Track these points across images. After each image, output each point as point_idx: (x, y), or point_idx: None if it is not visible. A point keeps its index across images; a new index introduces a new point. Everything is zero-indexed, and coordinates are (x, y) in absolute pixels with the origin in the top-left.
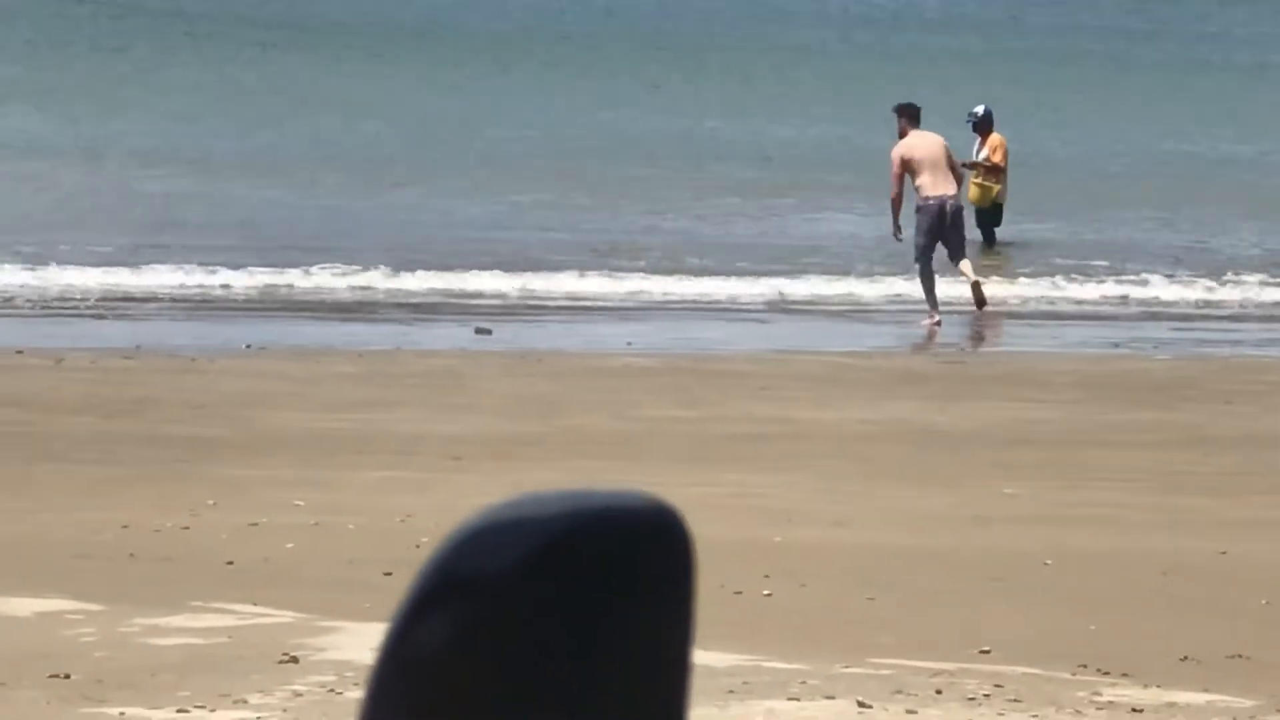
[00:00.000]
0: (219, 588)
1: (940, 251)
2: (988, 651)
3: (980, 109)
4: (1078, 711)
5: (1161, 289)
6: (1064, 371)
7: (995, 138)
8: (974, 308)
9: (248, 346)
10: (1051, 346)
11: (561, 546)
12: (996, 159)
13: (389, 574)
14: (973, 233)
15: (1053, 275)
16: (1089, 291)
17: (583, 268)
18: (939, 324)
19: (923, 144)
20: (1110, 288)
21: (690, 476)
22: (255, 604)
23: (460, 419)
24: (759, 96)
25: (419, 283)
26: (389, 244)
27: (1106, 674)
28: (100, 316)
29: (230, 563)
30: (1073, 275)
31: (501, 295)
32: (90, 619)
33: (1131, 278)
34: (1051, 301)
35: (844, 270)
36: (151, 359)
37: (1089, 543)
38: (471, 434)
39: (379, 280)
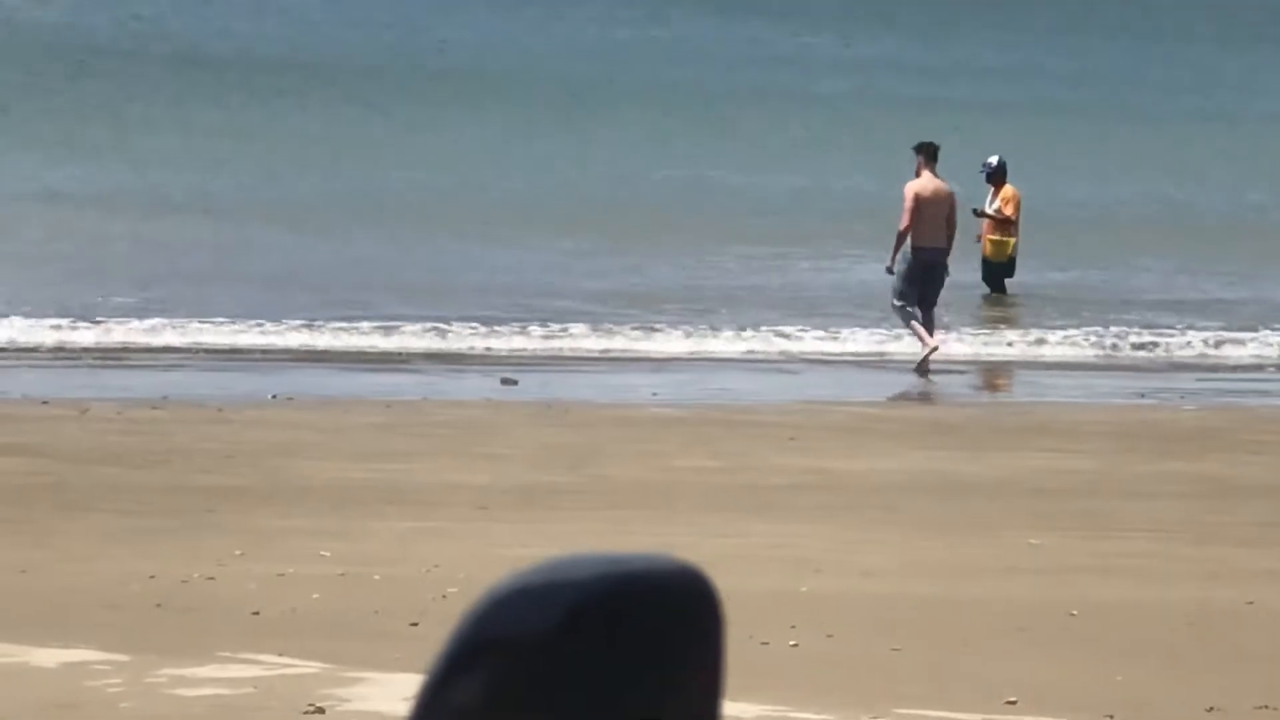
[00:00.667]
0: (246, 638)
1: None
2: (1014, 702)
3: (994, 159)
4: None
5: (1185, 338)
6: (1091, 421)
7: (1008, 189)
8: (919, 367)
9: (274, 397)
10: (1078, 397)
11: (593, 610)
12: (1008, 211)
13: (415, 624)
14: (961, 282)
15: (1077, 325)
16: (1113, 341)
17: (607, 319)
18: (937, 348)
19: (931, 189)
20: (1134, 338)
21: (718, 527)
22: (281, 654)
23: (487, 469)
24: (774, 146)
25: (447, 339)
26: (409, 292)
27: None
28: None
29: (257, 613)
30: (1095, 325)
31: (527, 347)
32: (117, 669)
33: (1156, 327)
34: (1076, 349)
35: (868, 319)
36: (178, 409)
37: (1115, 593)
38: (499, 484)
39: (407, 332)
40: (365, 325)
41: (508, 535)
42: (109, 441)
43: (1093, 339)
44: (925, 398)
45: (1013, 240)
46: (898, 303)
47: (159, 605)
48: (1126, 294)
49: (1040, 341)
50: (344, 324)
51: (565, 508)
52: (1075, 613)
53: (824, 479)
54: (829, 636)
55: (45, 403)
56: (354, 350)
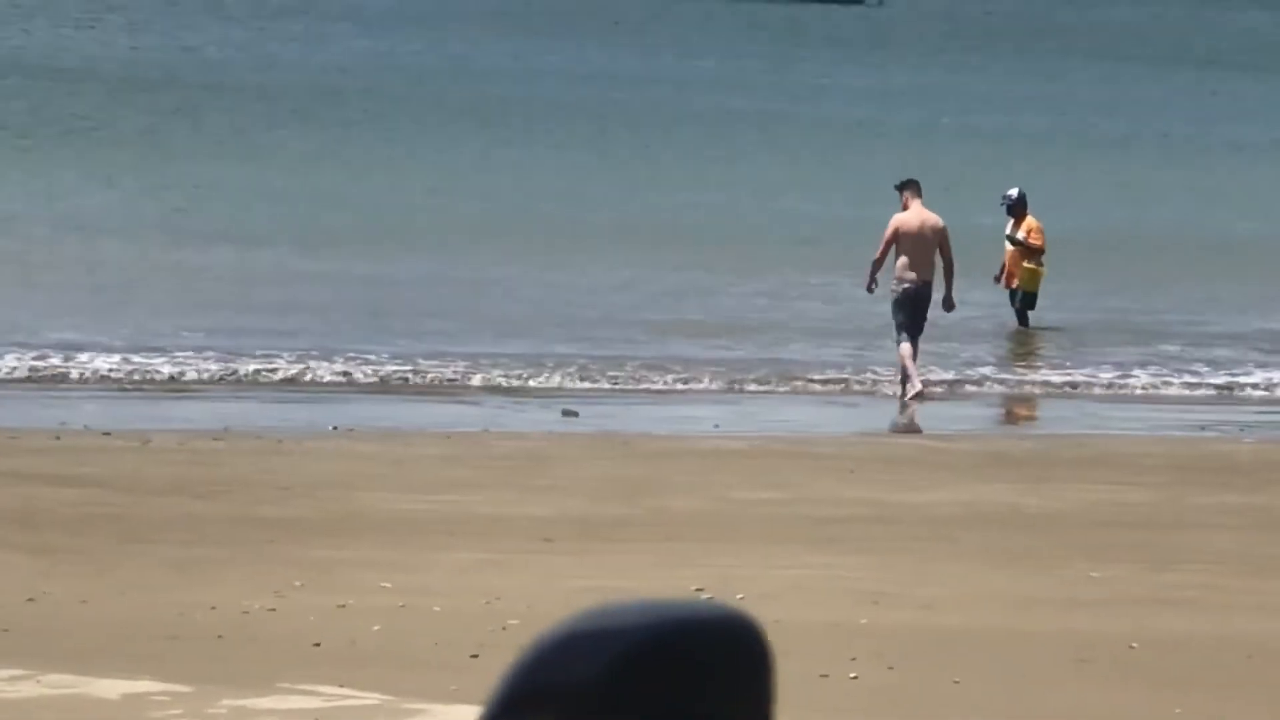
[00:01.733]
0: (306, 669)
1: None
2: None
3: (1014, 191)
4: None
5: (1245, 372)
6: (1151, 454)
7: (1030, 221)
8: (900, 391)
9: (334, 428)
10: (1138, 429)
11: (642, 658)
12: (1036, 241)
13: (475, 656)
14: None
15: (1138, 359)
16: (1172, 374)
17: (671, 347)
18: (921, 392)
19: (916, 221)
20: (1192, 370)
21: (778, 559)
22: (342, 685)
23: (548, 501)
24: (803, 172)
25: (496, 370)
26: (463, 319)
27: None
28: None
29: (317, 644)
30: (1155, 358)
31: (589, 380)
32: (178, 700)
33: (1215, 361)
34: (1131, 382)
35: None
36: (239, 440)
37: (1174, 625)
38: (559, 516)
39: (462, 362)
40: (422, 353)
41: (568, 567)
42: (170, 473)
43: (1153, 371)
44: (989, 430)
45: (1044, 270)
46: (898, 339)
47: (220, 636)
48: (1180, 324)
49: (1093, 374)
50: (398, 358)
51: (626, 539)
52: (1135, 645)
53: (884, 511)
54: (889, 669)
55: (107, 434)
56: (413, 379)
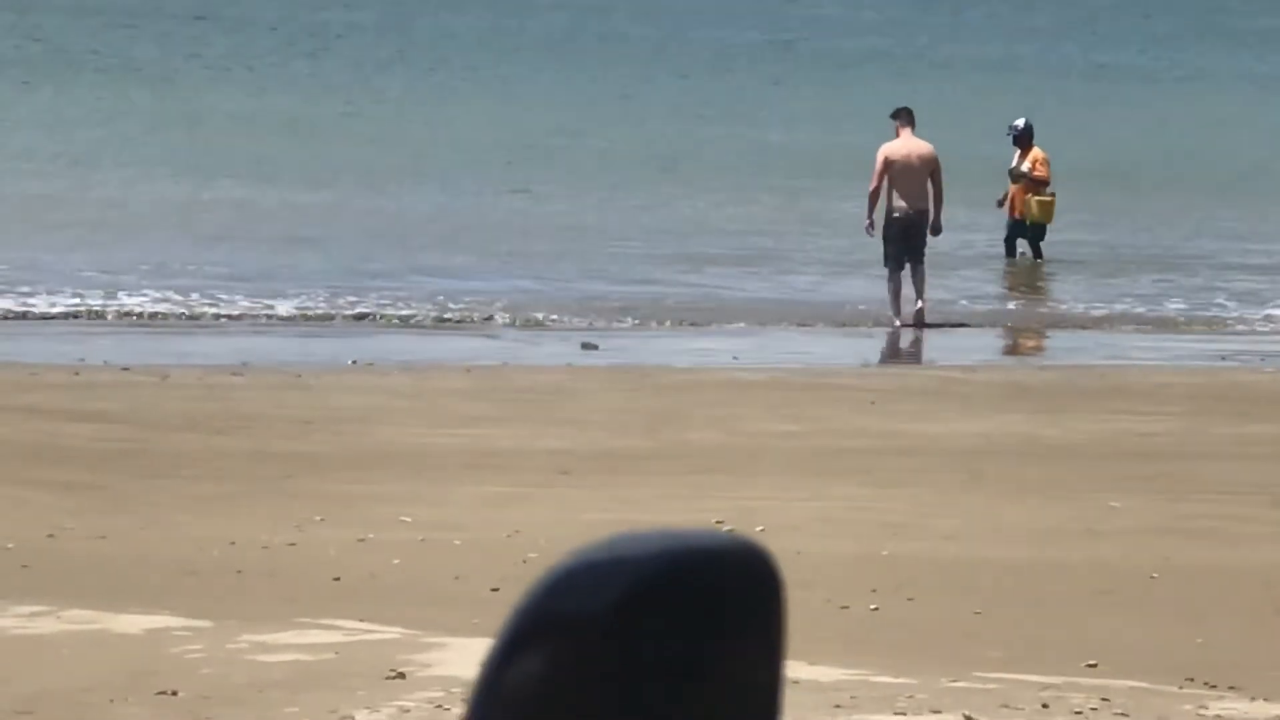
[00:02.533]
0: (326, 604)
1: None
2: (1095, 665)
3: (1021, 122)
4: None
5: (1259, 303)
6: (1171, 385)
7: (1037, 151)
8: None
9: (354, 362)
10: (1158, 359)
11: (654, 587)
12: (1041, 172)
13: (496, 589)
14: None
15: (1151, 289)
16: (1186, 304)
17: (687, 280)
18: (898, 326)
19: (904, 151)
20: (1206, 299)
21: (798, 491)
22: (362, 620)
23: (568, 434)
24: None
25: (520, 300)
26: (485, 250)
27: (1214, 687)
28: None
29: (337, 579)
30: (1170, 289)
31: (607, 309)
32: (198, 635)
33: (1234, 291)
34: (1150, 312)
35: (951, 276)
36: (258, 375)
37: (1196, 556)
38: (579, 449)
39: (484, 296)
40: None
41: (588, 500)
42: (189, 408)
43: (1168, 302)
44: (1008, 362)
45: (1054, 199)
46: (888, 268)
47: (239, 571)
48: (1195, 254)
49: (1110, 305)
50: (410, 293)
51: (645, 472)
52: (1156, 575)
53: (904, 442)
54: (909, 600)
55: (126, 369)
56: (432, 313)
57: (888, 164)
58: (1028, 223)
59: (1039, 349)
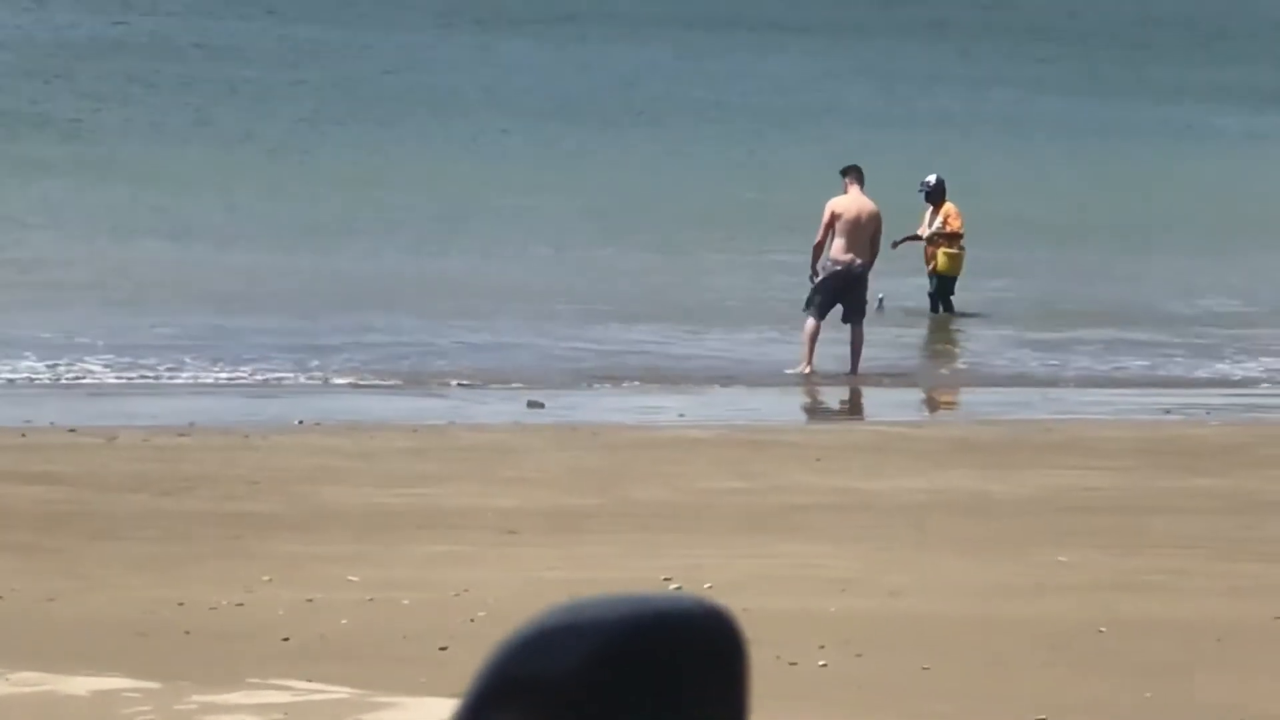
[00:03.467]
0: (276, 664)
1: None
2: (1044, 719)
3: (932, 178)
4: None
5: (1205, 358)
6: (1117, 439)
7: (949, 206)
8: (849, 370)
9: (300, 422)
10: (1102, 414)
11: (618, 651)
12: (956, 225)
13: (444, 648)
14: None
15: (1095, 341)
16: (1133, 358)
17: (630, 339)
18: (808, 374)
19: (853, 207)
20: (1153, 354)
21: (746, 548)
22: (311, 680)
23: (515, 492)
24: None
25: (464, 361)
26: (424, 311)
27: None
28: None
29: (286, 639)
30: (1117, 343)
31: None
32: (147, 697)
33: (1175, 343)
34: (1095, 366)
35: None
36: (205, 436)
37: (1144, 609)
38: (527, 507)
39: (427, 354)
40: (379, 346)
41: (537, 559)
42: (137, 469)
43: (1117, 357)
44: (954, 419)
45: (963, 254)
46: (806, 312)
47: (188, 632)
48: (1137, 305)
49: (1054, 356)
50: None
51: (594, 530)
52: (1104, 629)
53: (851, 499)
54: (858, 656)
55: (72, 430)
56: (379, 372)
57: (834, 217)
58: (934, 274)
59: (965, 405)
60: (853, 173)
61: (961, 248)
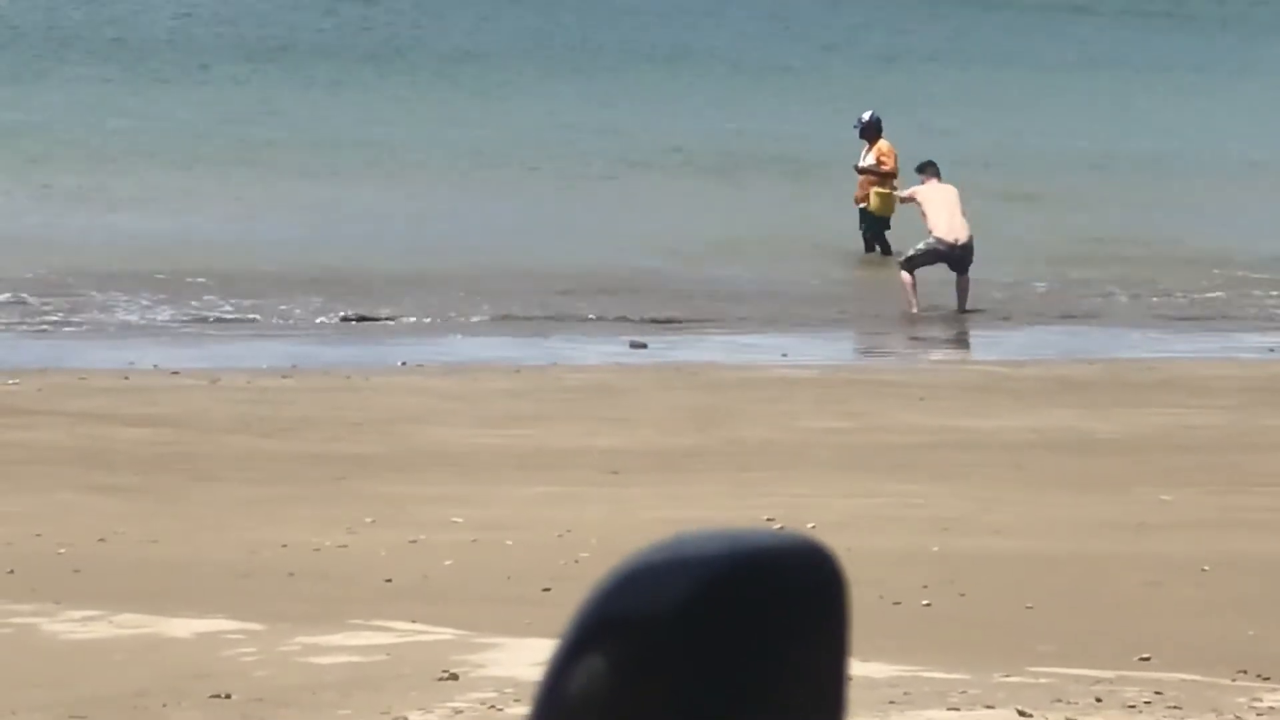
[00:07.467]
0: (378, 605)
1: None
2: (1147, 658)
3: (867, 115)
4: (1238, 717)
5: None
6: (1221, 376)
7: (882, 144)
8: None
9: (403, 364)
10: (1207, 352)
11: (718, 588)
12: (889, 165)
13: (548, 589)
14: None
15: (1199, 282)
16: (1234, 295)
17: (731, 277)
18: (914, 315)
19: (937, 196)
20: (1256, 290)
21: (848, 487)
22: (414, 621)
23: (618, 433)
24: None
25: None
26: (538, 250)
27: (1267, 679)
28: None
29: (389, 580)
30: (1217, 282)
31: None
32: (251, 638)
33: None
34: (1200, 305)
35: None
36: (308, 378)
37: (1247, 547)
38: (629, 448)
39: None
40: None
41: (639, 499)
42: (239, 411)
43: (1220, 294)
44: (1057, 357)
45: (898, 194)
46: (905, 264)
47: (292, 574)
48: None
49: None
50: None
51: (696, 470)
52: (1208, 568)
53: (954, 437)
54: (961, 595)
55: (176, 373)
56: (479, 315)
57: (925, 203)
58: (866, 213)
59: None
60: (929, 169)
61: (894, 188)
